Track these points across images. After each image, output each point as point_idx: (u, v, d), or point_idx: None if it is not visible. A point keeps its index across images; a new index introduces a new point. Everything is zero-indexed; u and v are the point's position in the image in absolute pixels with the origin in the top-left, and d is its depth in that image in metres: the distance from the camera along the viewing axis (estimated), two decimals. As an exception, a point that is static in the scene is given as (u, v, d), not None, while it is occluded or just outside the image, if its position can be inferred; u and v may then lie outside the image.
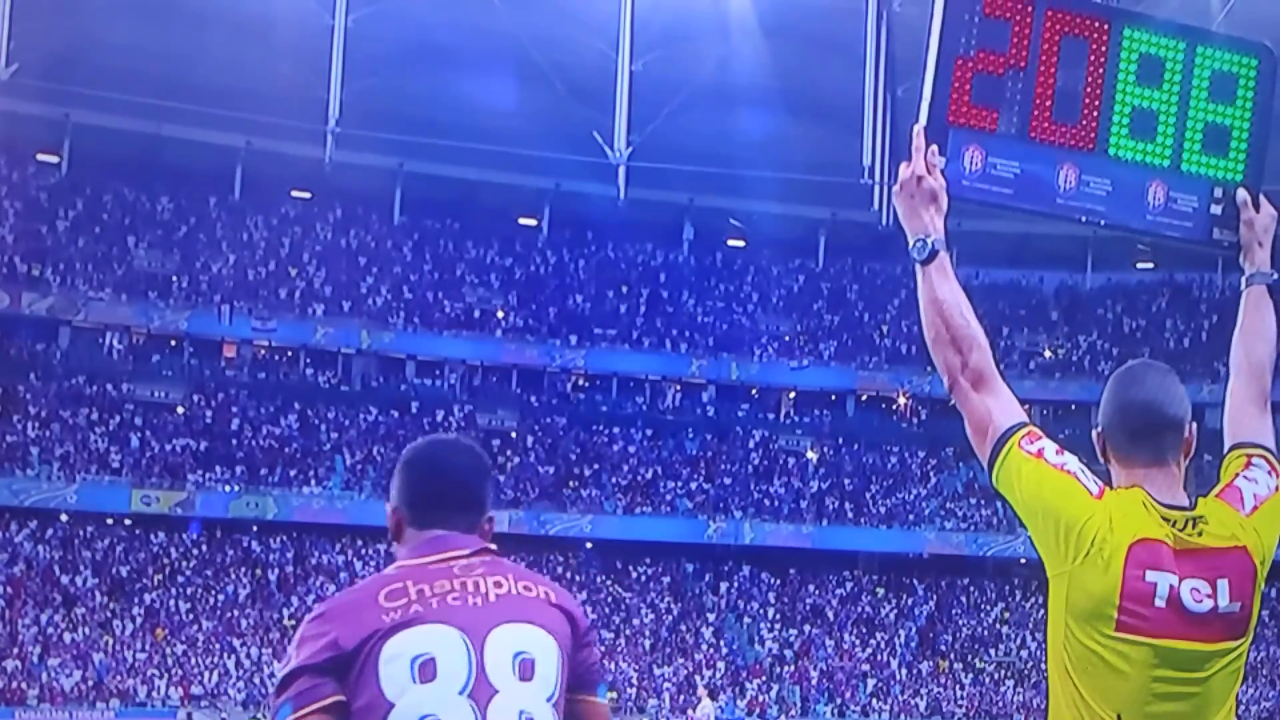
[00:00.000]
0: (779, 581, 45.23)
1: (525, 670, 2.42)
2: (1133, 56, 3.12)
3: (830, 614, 44.59)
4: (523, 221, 51.58)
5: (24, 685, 34.39)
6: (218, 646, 37.51)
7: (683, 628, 42.74)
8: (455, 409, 46.13)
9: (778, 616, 44.14)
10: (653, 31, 43.91)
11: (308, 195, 48.50)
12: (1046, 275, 53.29)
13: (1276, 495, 2.80)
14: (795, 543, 44.96)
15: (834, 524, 45.46)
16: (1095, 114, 3.12)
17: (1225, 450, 2.92)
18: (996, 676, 42.91)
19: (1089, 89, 3.10)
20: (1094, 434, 2.81)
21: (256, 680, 36.96)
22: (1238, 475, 2.83)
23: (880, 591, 45.91)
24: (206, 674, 36.66)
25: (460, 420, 45.95)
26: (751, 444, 48.06)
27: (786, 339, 50.10)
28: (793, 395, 49.93)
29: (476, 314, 47.98)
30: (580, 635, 2.54)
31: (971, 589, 46.36)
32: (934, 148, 2.96)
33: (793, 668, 41.95)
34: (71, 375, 42.12)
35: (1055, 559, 2.66)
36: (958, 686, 42.34)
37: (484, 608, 2.44)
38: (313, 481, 42.15)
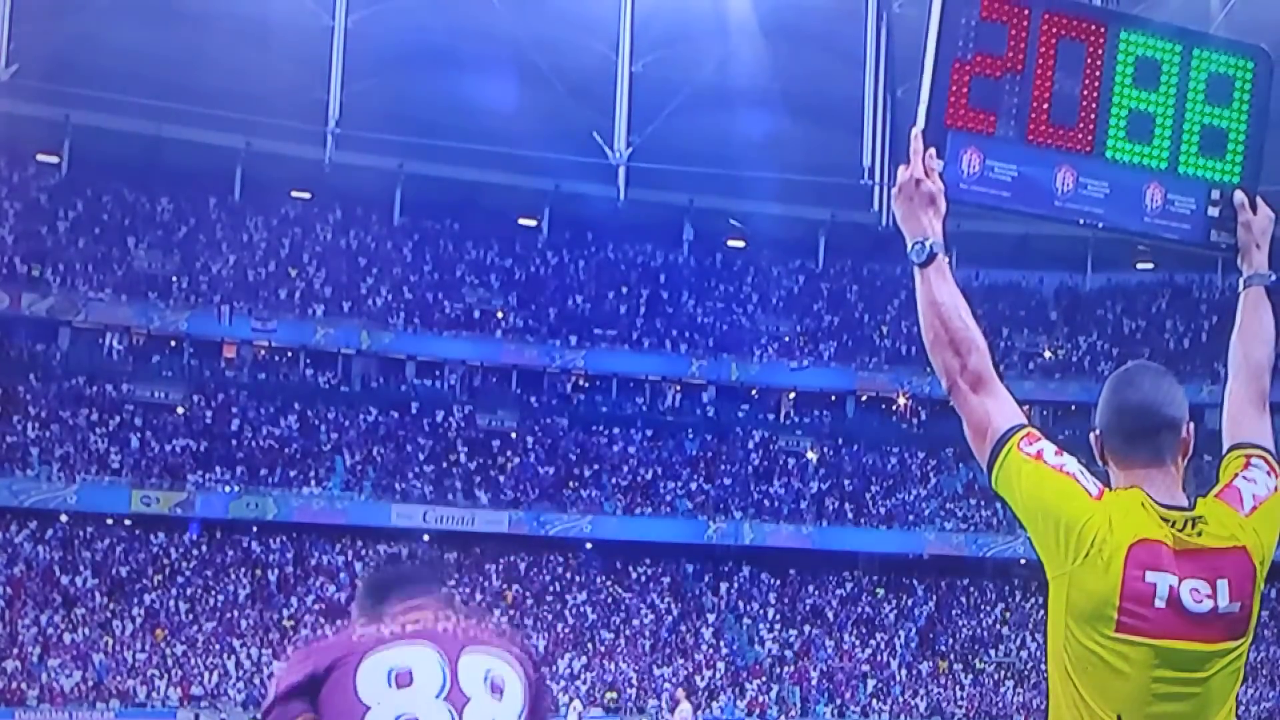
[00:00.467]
0: (779, 582, 45.23)
1: (495, 687, 2.54)
2: (1130, 59, 3.13)
3: (830, 614, 44.59)
4: (523, 222, 51.57)
5: (24, 686, 34.39)
6: (217, 647, 37.52)
7: (683, 628, 42.74)
8: (455, 409, 46.13)
9: (778, 617, 44.13)
10: (653, 32, 43.89)
11: (308, 196, 48.50)
12: (1046, 276, 53.29)
13: (1275, 495, 2.81)
14: (795, 543, 44.96)
15: (834, 524, 45.46)
16: (1093, 117, 3.13)
17: (1224, 451, 2.93)
18: (996, 677, 42.91)
19: (1086, 92, 3.11)
20: (1091, 436, 2.82)
21: (256, 681, 36.94)
22: (1237, 476, 2.83)
23: (880, 592, 45.91)
24: (206, 674, 36.67)
25: (460, 421, 45.97)
26: (751, 444, 48.06)
27: (786, 340, 50.09)
28: (792, 396, 49.94)
29: (476, 315, 47.98)
30: (539, 681, 2.66)
31: (971, 589, 46.36)
32: (932, 151, 2.97)
33: (793, 668, 41.95)
34: (71, 376, 42.12)
35: (1055, 560, 2.67)
36: (958, 687, 42.34)
37: (454, 633, 2.59)
38: (312, 482, 42.16)
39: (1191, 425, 2.78)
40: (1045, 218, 3.21)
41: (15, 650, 35.25)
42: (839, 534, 45.22)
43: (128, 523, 40.10)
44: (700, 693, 40.07)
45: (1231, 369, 3.04)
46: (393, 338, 46.27)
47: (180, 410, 43.20)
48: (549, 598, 42.59)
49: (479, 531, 42.81)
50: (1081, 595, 2.62)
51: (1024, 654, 43.46)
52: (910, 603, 45.63)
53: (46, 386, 41.55)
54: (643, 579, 44.44)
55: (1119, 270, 52.46)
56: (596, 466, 45.57)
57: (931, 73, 3.02)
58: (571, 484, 44.64)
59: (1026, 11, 3.07)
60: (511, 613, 41.46)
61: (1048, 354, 51.24)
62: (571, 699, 36.21)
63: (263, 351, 45.81)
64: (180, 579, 39.42)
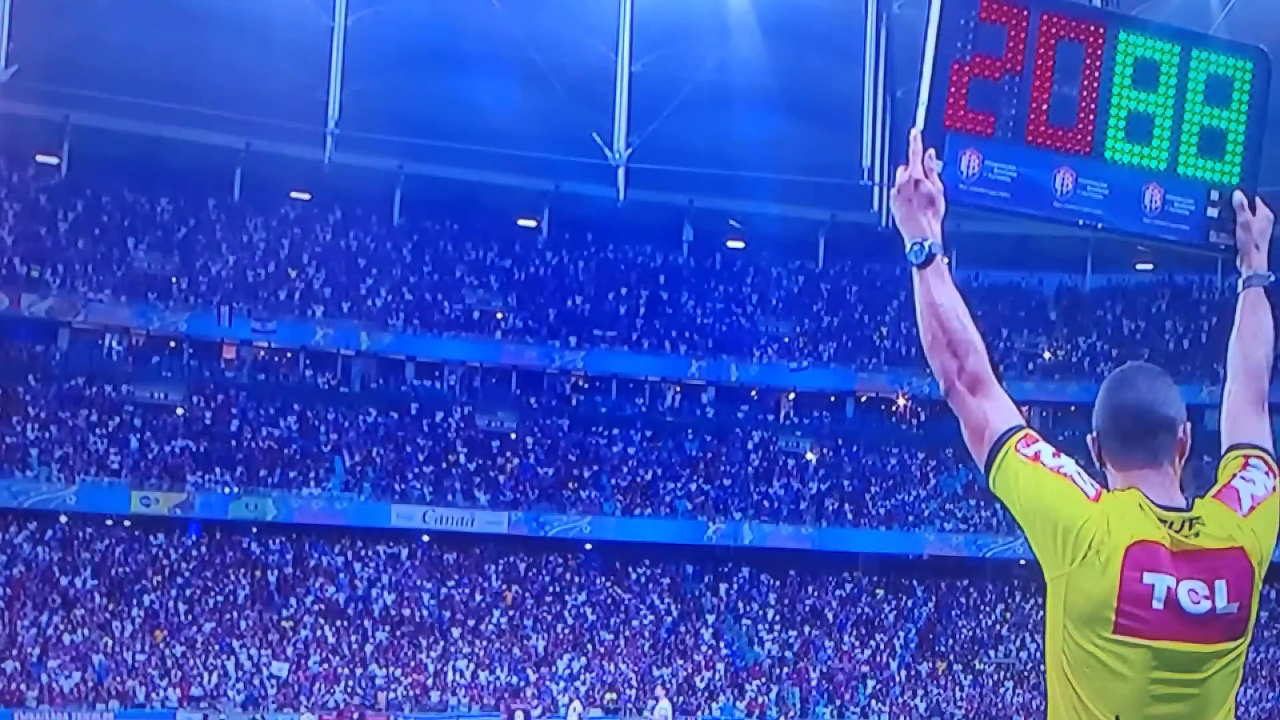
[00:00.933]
0: (778, 583, 45.22)
1: None
2: (1128, 60, 3.13)
3: (830, 615, 44.58)
4: (522, 223, 51.56)
5: (23, 686, 34.38)
6: (217, 648, 37.50)
7: (682, 629, 42.73)
8: (455, 410, 46.13)
9: (777, 618, 44.13)
10: (652, 32, 43.87)
11: (307, 197, 48.48)
12: (1046, 277, 53.27)
13: (1274, 496, 2.80)
14: (795, 544, 44.95)
15: (833, 525, 45.46)
16: (1091, 118, 3.13)
17: (1223, 451, 2.93)
18: (996, 678, 42.91)
19: (1085, 93, 3.11)
20: (1089, 439, 2.82)
21: (256, 682, 36.96)
22: (1235, 476, 2.83)
23: (880, 593, 45.90)
24: (206, 675, 36.65)
25: (460, 421, 45.96)
26: (751, 445, 48.05)
27: (786, 340, 50.09)
28: (792, 396, 49.93)
29: (476, 315, 47.98)
30: None
31: (971, 590, 46.35)
32: (931, 152, 2.96)
33: (792, 669, 41.94)
34: (71, 377, 42.11)
35: (1053, 562, 2.66)
36: (957, 688, 42.33)
37: None
38: (312, 483, 42.14)
39: (1189, 426, 2.78)
40: (1044, 219, 3.21)
41: (15, 651, 35.24)
42: (838, 535, 45.21)
43: (127, 523, 40.09)
44: (700, 693, 40.09)
45: (1230, 370, 3.04)
46: (392, 338, 46.26)
47: (180, 411, 43.19)
48: (548, 598, 42.59)
49: (478, 532, 42.81)
50: (1079, 597, 2.62)
51: (1023, 655, 43.45)
52: (910, 603, 45.62)
53: (46, 387, 41.54)
54: (642, 580, 44.44)
55: (1119, 271, 52.47)
56: (596, 467, 45.56)
57: (930, 74, 3.02)
58: (571, 485, 44.63)
59: (1025, 13, 3.07)
60: (511, 613, 41.48)
61: (1047, 355, 51.25)
62: (571, 700, 36.22)
63: (262, 352, 45.81)
64: (180, 580, 39.41)
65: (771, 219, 49.35)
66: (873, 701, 41.31)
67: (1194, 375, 41.19)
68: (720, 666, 41.38)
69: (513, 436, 45.96)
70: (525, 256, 50.64)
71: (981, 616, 45.66)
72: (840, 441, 48.67)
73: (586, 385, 48.49)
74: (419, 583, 41.84)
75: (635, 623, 42.52)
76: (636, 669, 40.14)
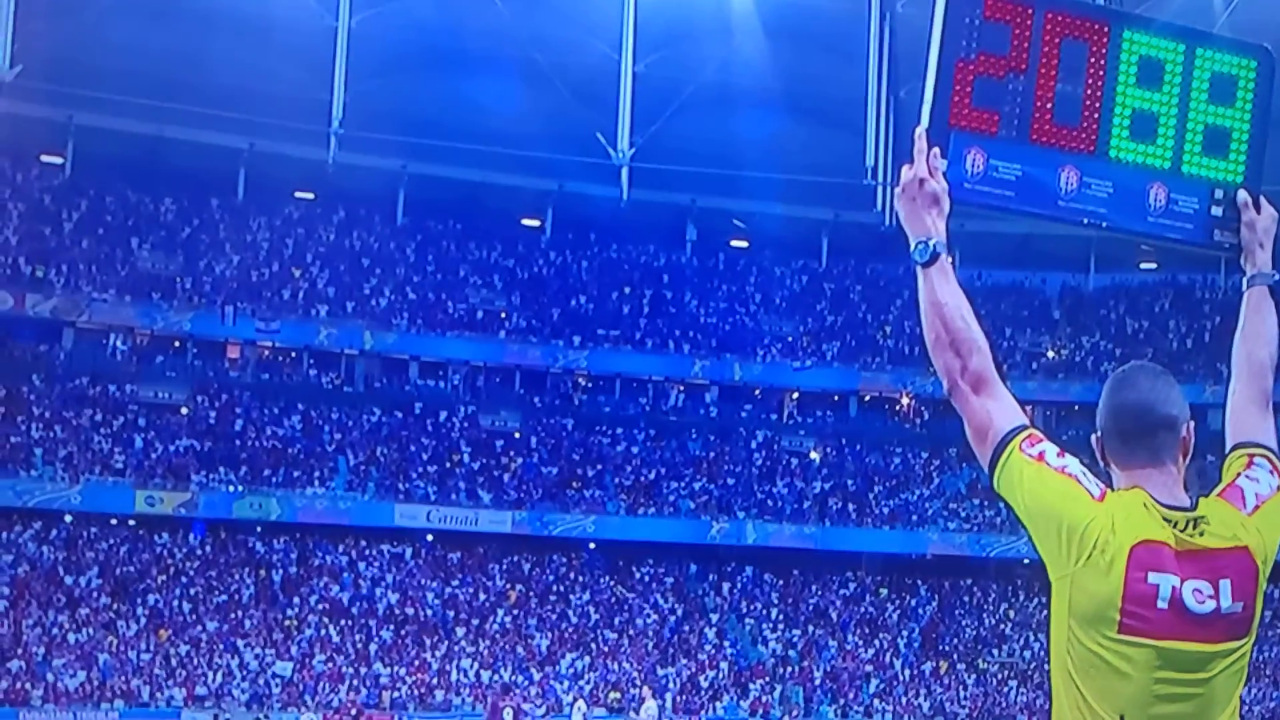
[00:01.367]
0: (782, 582, 45.22)
1: None
2: (1132, 59, 3.12)
3: (833, 615, 44.57)
4: (526, 223, 51.58)
5: (28, 686, 34.43)
6: (221, 647, 37.53)
7: (686, 628, 42.73)
8: (458, 410, 46.15)
9: (781, 617, 44.13)
10: (655, 32, 43.90)
11: (311, 197, 48.52)
12: (1049, 276, 53.26)
13: (1278, 495, 2.80)
14: (798, 543, 44.95)
15: (837, 525, 45.44)
16: (1096, 116, 3.12)
17: (1227, 450, 2.92)
18: (1000, 677, 42.88)
19: (1089, 91, 3.11)
20: (1093, 438, 2.82)
21: (260, 681, 36.99)
22: (1239, 475, 2.83)
23: (883, 592, 45.88)
24: (210, 675, 36.68)
25: (463, 421, 45.99)
26: (754, 445, 48.05)
27: (789, 340, 50.09)
28: (795, 396, 49.93)
29: (480, 315, 47.99)
30: None
31: (974, 589, 46.34)
32: (936, 150, 2.96)
33: (796, 668, 41.93)
34: (75, 376, 42.15)
35: (1057, 562, 2.66)
36: (961, 687, 42.32)
37: None
38: (316, 482, 42.17)
39: (1192, 425, 2.78)
40: (1049, 218, 3.21)
41: (20, 650, 35.29)
42: (842, 534, 45.20)
43: (132, 523, 40.13)
44: (703, 692, 40.09)
45: (1235, 369, 3.04)
46: (396, 338, 46.29)
47: (184, 411, 43.23)
48: (552, 598, 42.60)
49: (482, 531, 42.83)
50: (1084, 597, 2.62)
51: (1027, 654, 43.43)
52: (913, 603, 45.61)
53: (50, 387, 41.60)
54: (646, 579, 44.45)
55: (1122, 270, 52.46)
56: (600, 466, 45.57)
57: (935, 72, 3.02)
58: (575, 484, 44.64)
59: (1029, 11, 3.07)
60: (515, 613, 41.50)
61: (1051, 354, 51.22)
62: (575, 699, 36.24)
63: (266, 352, 45.85)
64: (184, 579, 39.44)
65: (775, 218, 49.37)
66: (876, 701, 41.30)
67: (1197, 374, 41.17)
68: (724, 666, 41.38)
69: (516, 436, 45.98)
70: (529, 256, 50.66)
71: (985, 616, 45.64)
72: (843, 441, 48.67)
73: (590, 385, 48.51)
74: (423, 582, 41.86)
75: (639, 622, 42.53)
76: (640, 668, 40.15)
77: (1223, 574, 2.64)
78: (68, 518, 39.56)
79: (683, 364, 48.60)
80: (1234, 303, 3.13)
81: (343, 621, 39.63)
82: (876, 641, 43.71)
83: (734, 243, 52.86)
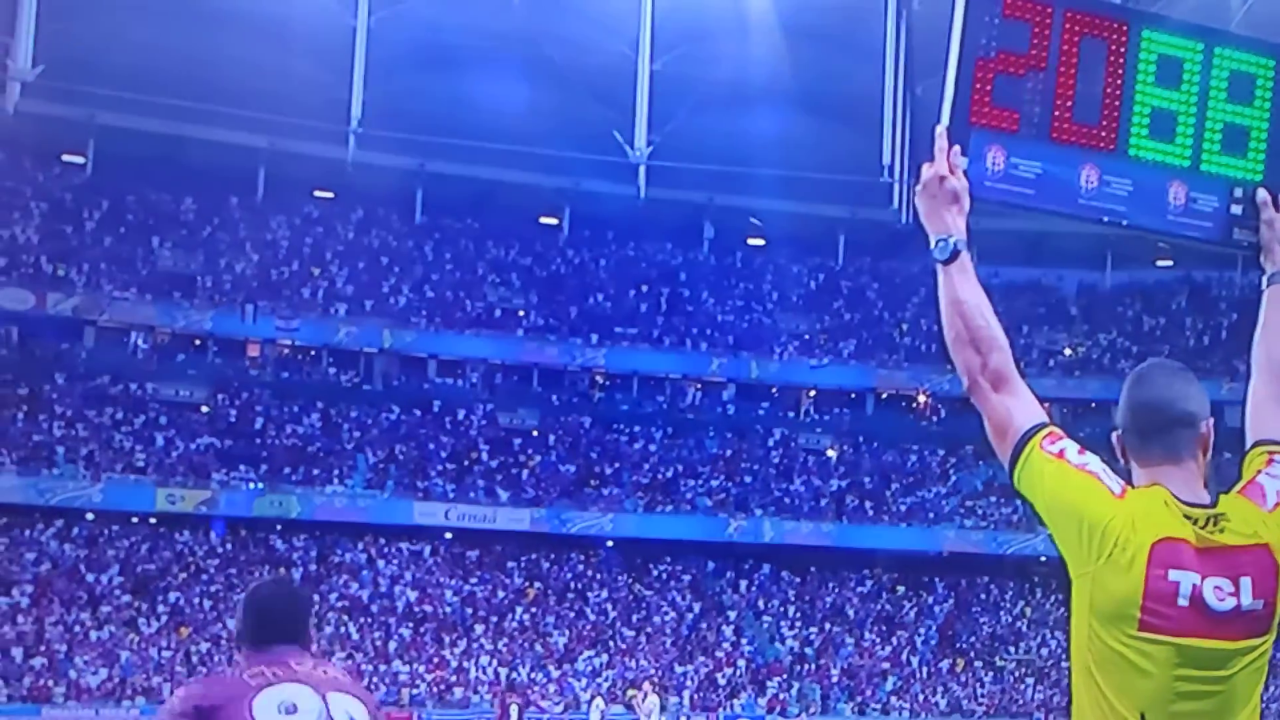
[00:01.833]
0: (799, 580, 45.18)
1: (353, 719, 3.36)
2: (1151, 57, 3.13)
3: (850, 612, 44.52)
4: (543, 221, 51.65)
5: (51, 683, 34.66)
6: (241, 644, 37.64)
7: (703, 626, 42.74)
8: (476, 408, 46.24)
9: (798, 615, 44.09)
10: (672, 31, 43.91)
11: (330, 195, 48.69)
12: (1066, 274, 53.08)
13: (1299, 492, 2.81)
14: (815, 541, 44.91)
15: (854, 522, 45.39)
16: (1115, 115, 3.13)
17: (1247, 448, 2.92)
18: (1017, 674, 42.78)
19: (1108, 90, 3.12)
20: (1113, 436, 2.83)
21: (279, 678, 37.09)
22: (1259, 472, 2.82)
23: (900, 590, 45.80)
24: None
25: (482, 419, 46.07)
26: (771, 442, 48.02)
27: (806, 338, 50.03)
28: (812, 394, 49.87)
29: (497, 313, 48.08)
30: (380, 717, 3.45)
31: (991, 587, 46.22)
32: (956, 148, 2.97)
33: (813, 666, 41.90)
34: (96, 375, 42.39)
35: (1078, 560, 2.66)
36: (978, 684, 42.23)
37: (323, 678, 3.40)
38: (335, 480, 42.32)
39: (1211, 421, 2.78)
40: (1069, 216, 3.21)
41: (42, 648, 35.52)
42: (859, 532, 45.14)
43: (153, 521, 40.34)
44: (720, 690, 40.10)
45: (1254, 366, 3.03)
46: (414, 337, 46.41)
47: (204, 409, 43.44)
48: (570, 595, 42.67)
49: (500, 529, 42.92)
50: (1104, 595, 2.62)
51: (1044, 651, 43.30)
52: (930, 600, 45.52)
53: (71, 385, 41.85)
54: (663, 577, 44.47)
55: (1139, 268, 52.25)
56: (617, 465, 45.61)
57: (955, 70, 3.03)
58: (592, 482, 44.69)
59: (1049, 9, 3.08)
60: (533, 610, 41.57)
61: (1067, 351, 51.05)
62: (594, 696, 36.28)
63: (286, 350, 46.02)
64: (205, 577, 39.64)
65: (791, 216, 49.30)
66: (893, 698, 41.24)
67: (1214, 372, 40.95)
68: (741, 663, 41.38)
69: (534, 434, 46.05)
70: (546, 254, 50.72)
71: (1002, 613, 45.53)
72: (860, 438, 48.59)
73: (607, 383, 48.54)
74: (441, 580, 41.97)
75: (656, 620, 42.56)
76: (658, 666, 40.17)
77: (1243, 571, 2.64)
78: (89, 516, 39.79)
79: (700, 362, 48.59)
80: (1250, 300, 3.13)
81: (362, 619, 39.78)
82: (894, 639, 43.64)
83: (751, 240, 52.83)
